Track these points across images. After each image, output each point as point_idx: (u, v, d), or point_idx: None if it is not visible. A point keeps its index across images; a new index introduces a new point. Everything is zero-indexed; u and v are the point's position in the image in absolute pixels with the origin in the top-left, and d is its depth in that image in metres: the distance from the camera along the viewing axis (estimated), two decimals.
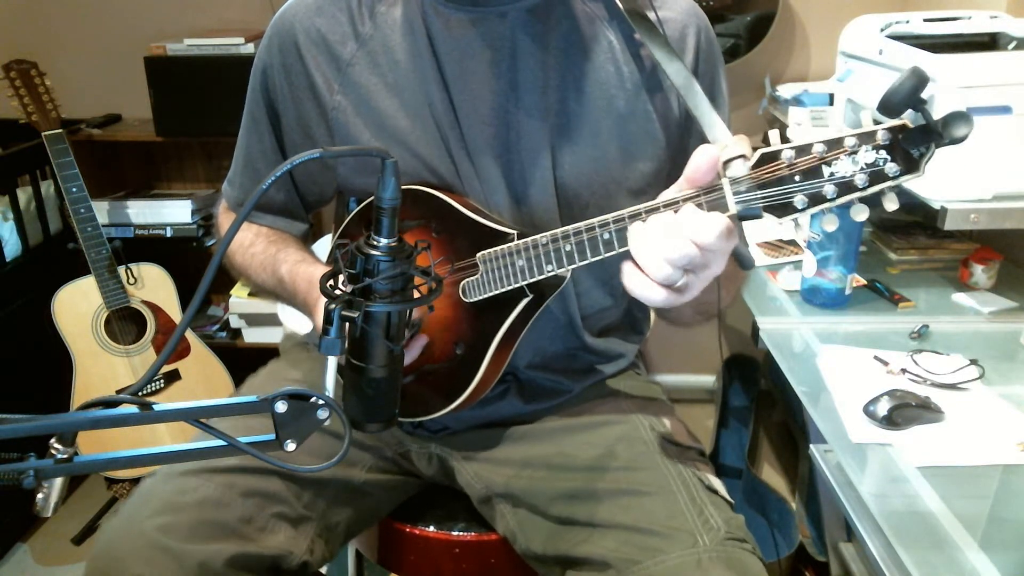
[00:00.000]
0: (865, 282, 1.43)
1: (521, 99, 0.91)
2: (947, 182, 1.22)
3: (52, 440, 0.58)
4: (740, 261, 0.99)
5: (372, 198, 0.98)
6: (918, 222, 1.62)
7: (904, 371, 1.14)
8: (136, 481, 2.01)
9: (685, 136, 0.96)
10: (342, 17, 0.94)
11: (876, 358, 1.18)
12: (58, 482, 0.62)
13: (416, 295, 0.66)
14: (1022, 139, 1.20)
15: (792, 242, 1.59)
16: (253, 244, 1.04)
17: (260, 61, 0.99)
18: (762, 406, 2.12)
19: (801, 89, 1.80)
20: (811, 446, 1.04)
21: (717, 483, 0.92)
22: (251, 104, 1.02)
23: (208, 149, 2.29)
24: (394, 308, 0.63)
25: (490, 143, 0.91)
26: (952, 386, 1.11)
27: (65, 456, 0.58)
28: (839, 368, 1.16)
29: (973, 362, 1.15)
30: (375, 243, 0.63)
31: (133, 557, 0.82)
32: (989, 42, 1.42)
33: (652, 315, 1.22)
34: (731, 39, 1.90)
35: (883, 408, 1.02)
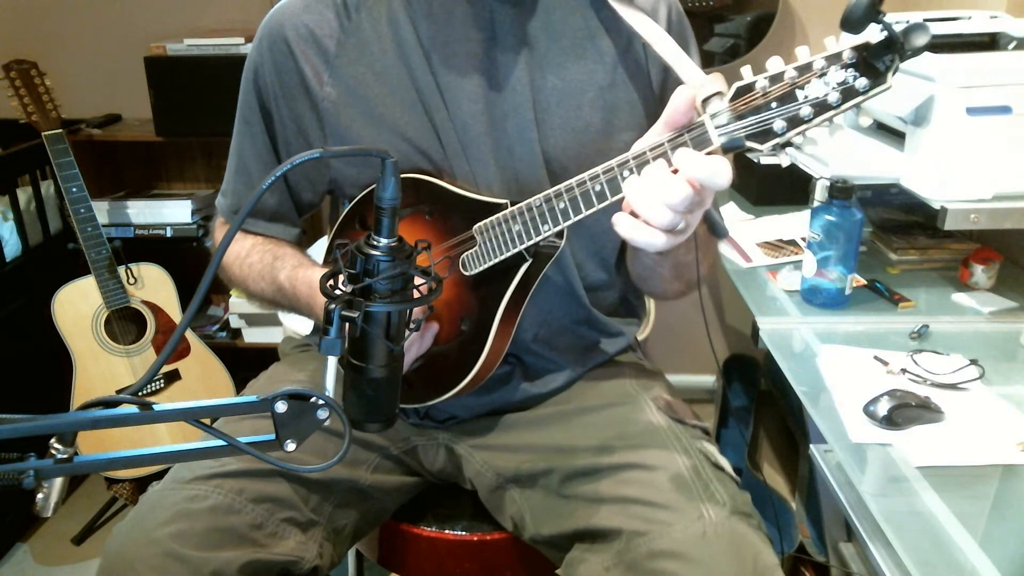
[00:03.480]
0: (865, 282, 1.43)
1: (504, 78, 0.94)
2: (947, 182, 1.22)
3: (52, 440, 0.58)
4: (713, 228, 1.00)
5: (364, 193, 0.98)
6: (918, 222, 1.62)
7: (904, 371, 1.14)
8: (136, 481, 2.01)
9: (663, 103, 0.98)
10: (328, 13, 0.97)
11: (876, 358, 1.18)
12: (58, 482, 0.62)
13: (416, 295, 0.66)
14: (1022, 139, 1.20)
15: (792, 242, 1.59)
16: (249, 254, 1.04)
17: (251, 63, 1.01)
18: (762, 406, 2.12)
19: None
20: (811, 446, 1.04)
21: (723, 460, 0.93)
22: (243, 107, 1.03)
23: (208, 149, 2.29)
24: (394, 308, 0.63)
25: (477, 121, 0.94)
26: (952, 386, 1.11)
27: (65, 456, 0.58)
28: (839, 368, 1.16)
29: (973, 362, 1.15)
30: (375, 243, 0.63)
31: (146, 566, 0.81)
32: (989, 42, 1.42)
33: (649, 307, 1.22)
34: (731, 39, 1.89)
35: (883, 408, 1.02)
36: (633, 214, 0.75)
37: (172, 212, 2.11)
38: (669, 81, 0.96)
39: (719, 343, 2.30)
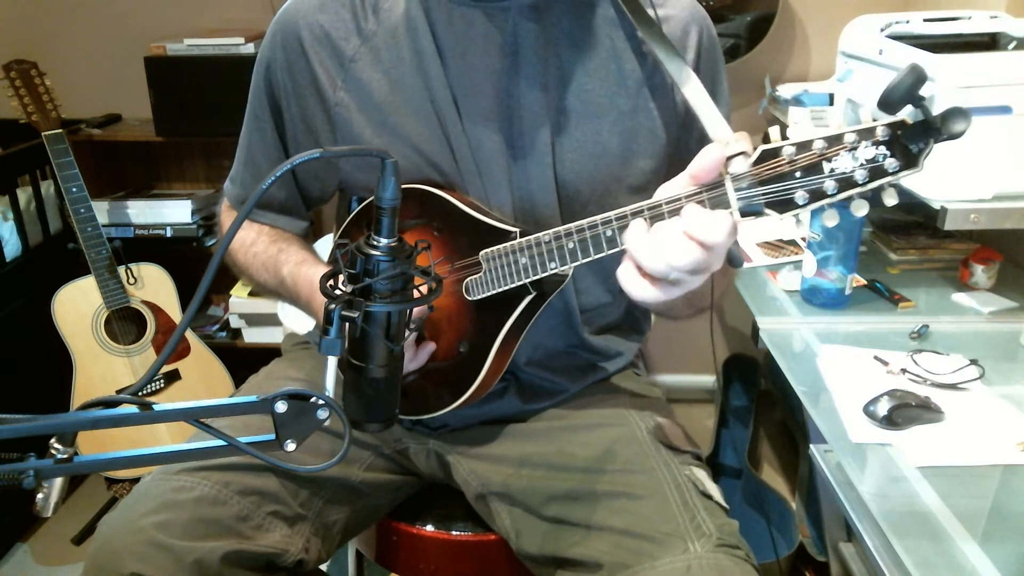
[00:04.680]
0: (865, 282, 1.43)
1: (523, 95, 0.91)
2: (947, 182, 1.22)
3: (52, 440, 0.59)
4: (731, 260, 0.99)
5: (373, 198, 0.98)
6: (918, 222, 1.62)
7: (904, 371, 1.14)
8: (136, 481, 2.01)
9: (685, 134, 0.96)
10: (345, 14, 0.94)
11: (876, 358, 1.18)
12: (58, 482, 0.62)
13: (416, 295, 0.66)
14: (1022, 139, 1.20)
15: (792, 242, 1.59)
16: (255, 243, 1.04)
17: (263, 57, 0.99)
18: (762, 406, 2.13)
19: (801, 89, 1.80)
20: (811, 446, 1.04)
21: (712, 488, 0.92)
22: (253, 101, 1.02)
23: (208, 149, 2.29)
24: (394, 308, 0.63)
25: (492, 139, 0.92)
26: (952, 386, 1.11)
27: (65, 456, 0.58)
28: (839, 368, 1.16)
29: (973, 362, 1.15)
30: (375, 243, 0.63)
31: (130, 554, 0.82)
32: (989, 42, 1.42)
33: (652, 315, 1.22)
34: (731, 39, 1.90)
35: (883, 408, 1.02)
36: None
37: (172, 212, 2.11)
38: (695, 115, 0.92)
39: (719, 343, 2.30)
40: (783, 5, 1.91)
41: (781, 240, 1.61)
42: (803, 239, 1.55)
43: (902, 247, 1.53)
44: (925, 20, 1.45)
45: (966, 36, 1.42)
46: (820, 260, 1.31)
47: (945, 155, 1.22)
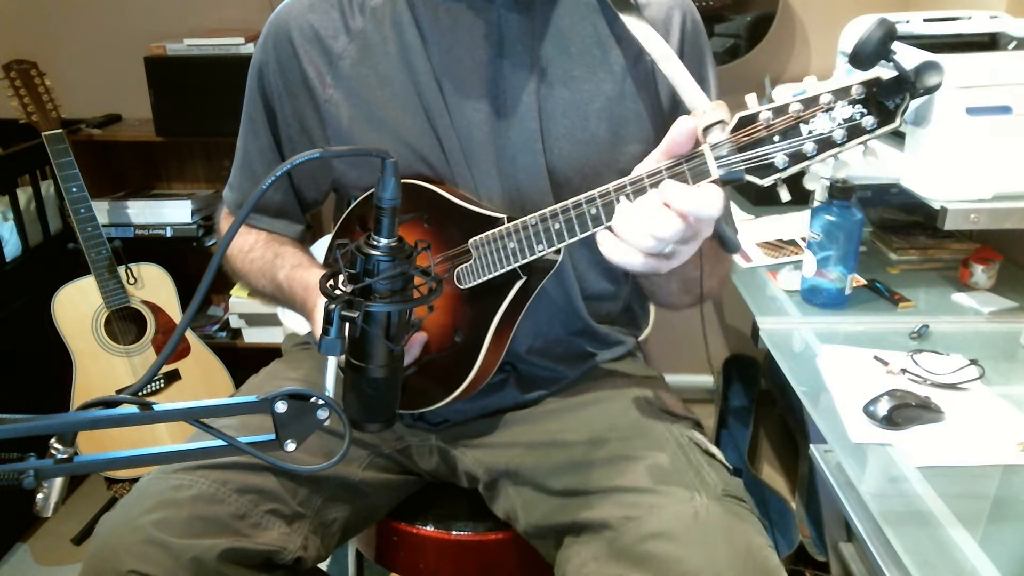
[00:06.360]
0: (865, 282, 1.43)
1: (509, 85, 0.92)
2: (947, 182, 1.22)
3: (52, 440, 0.59)
4: (724, 243, 0.99)
5: (367, 195, 0.98)
6: (918, 222, 1.62)
7: (904, 371, 1.14)
8: (136, 481, 2.01)
9: (672, 117, 0.97)
10: (334, 13, 0.96)
11: (876, 358, 1.18)
12: (58, 482, 0.62)
13: (416, 295, 0.66)
14: (1022, 139, 1.20)
15: (792, 242, 1.59)
16: (252, 249, 1.05)
17: (256, 60, 1.01)
18: (762, 406, 2.13)
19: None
20: (811, 446, 1.04)
21: (714, 448, 0.93)
22: (248, 104, 1.03)
23: (208, 149, 2.29)
24: (394, 308, 0.64)
25: (480, 129, 0.93)
26: (952, 386, 1.11)
27: (65, 456, 0.58)
28: (839, 368, 1.16)
29: (973, 362, 1.15)
30: (375, 243, 0.63)
31: (128, 552, 0.82)
32: (989, 42, 1.42)
33: (651, 312, 1.22)
34: (731, 39, 1.90)
35: (883, 408, 1.02)
36: None
37: (172, 212, 2.11)
38: (680, 96, 0.95)
39: (719, 343, 2.30)
40: (783, 5, 1.91)
41: (781, 240, 1.61)
42: (803, 239, 1.55)
43: (902, 247, 1.53)
44: (925, 20, 1.45)
45: (966, 36, 1.42)
46: (820, 260, 1.31)
47: (945, 155, 1.23)
